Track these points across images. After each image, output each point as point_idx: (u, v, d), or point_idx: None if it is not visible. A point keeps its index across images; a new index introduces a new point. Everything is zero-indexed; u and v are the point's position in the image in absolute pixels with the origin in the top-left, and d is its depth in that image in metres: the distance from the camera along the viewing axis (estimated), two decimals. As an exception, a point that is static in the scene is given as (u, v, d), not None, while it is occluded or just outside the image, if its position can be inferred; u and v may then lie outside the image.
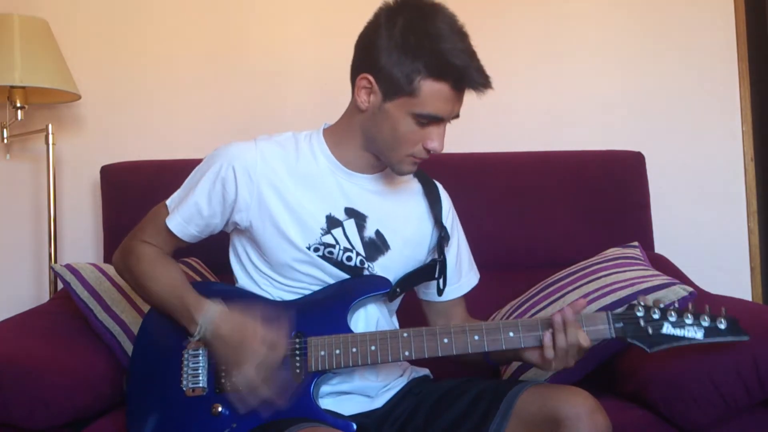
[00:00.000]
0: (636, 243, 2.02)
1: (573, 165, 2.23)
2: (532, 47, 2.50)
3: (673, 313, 1.31)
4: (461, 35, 1.31)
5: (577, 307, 1.31)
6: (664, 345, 1.30)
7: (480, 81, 1.30)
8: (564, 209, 2.18)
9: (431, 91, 1.29)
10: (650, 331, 1.30)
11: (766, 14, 2.74)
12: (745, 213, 2.51)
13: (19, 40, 2.13)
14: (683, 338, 1.30)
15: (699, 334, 1.30)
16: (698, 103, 2.50)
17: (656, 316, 1.31)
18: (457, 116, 1.37)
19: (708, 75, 2.51)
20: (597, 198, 2.20)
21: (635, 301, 1.33)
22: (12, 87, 2.19)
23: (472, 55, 1.30)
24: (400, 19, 1.30)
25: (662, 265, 2.04)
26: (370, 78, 1.33)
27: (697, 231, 2.47)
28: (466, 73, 1.29)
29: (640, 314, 1.31)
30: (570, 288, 1.80)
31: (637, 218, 2.21)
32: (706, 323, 1.30)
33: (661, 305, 1.32)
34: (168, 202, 1.46)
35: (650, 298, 1.34)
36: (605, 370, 1.67)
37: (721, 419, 1.46)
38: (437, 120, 1.33)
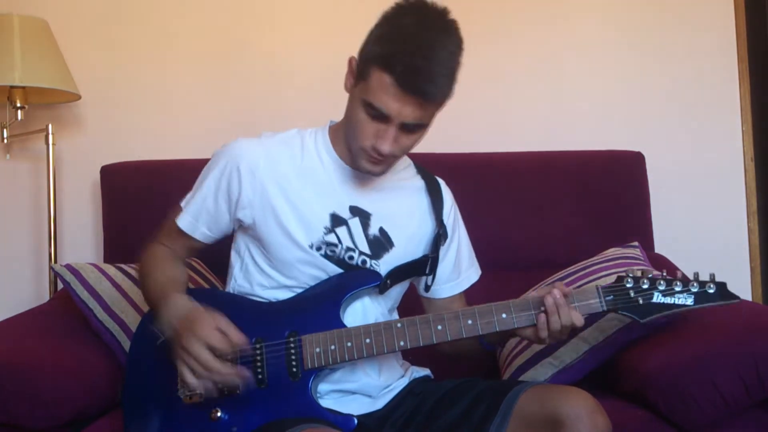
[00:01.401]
0: (636, 243, 2.02)
1: (573, 165, 2.23)
2: (532, 47, 2.50)
3: (662, 282, 1.31)
4: (432, 42, 1.24)
5: (563, 291, 1.31)
6: (656, 314, 1.30)
7: (420, 87, 1.23)
8: (564, 209, 2.17)
9: (378, 79, 1.26)
10: (641, 301, 1.30)
11: (766, 14, 2.74)
12: (745, 213, 2.51)
13: (19, 40, 2.13)
14: (674, 305, 1.30)
15: (689, 301, 1.30)
16: (698, 103, 2.50)
17: (646, 286, 1.31)
18: (409, 125, 1.28)
19: (708, 75, 2.51)
20: (597, 198, 2.20)
21: (624, 273, 1.33)
22: (12, 87, 2.19)
23: (428, 59, 1.23)
24: (406, 18, 1.28)
25: (662, 265, 2.03)
26: (353, 60, 1.33)
27: (697, 231, 2.47)
28: (409, 72, 1.22)
29: (629, 285, 1.31)
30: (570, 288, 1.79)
31: (637, 218, 2.21)
32: (695, 289, 1.30)
33: (650, 275, 1.32)
34: (182, 203, 1.47)
35: (639, 270, 1.34)
36: (605, 370, 1.67)
37: (722, 419, 1.46)
38: (383, 117, 1.28)
